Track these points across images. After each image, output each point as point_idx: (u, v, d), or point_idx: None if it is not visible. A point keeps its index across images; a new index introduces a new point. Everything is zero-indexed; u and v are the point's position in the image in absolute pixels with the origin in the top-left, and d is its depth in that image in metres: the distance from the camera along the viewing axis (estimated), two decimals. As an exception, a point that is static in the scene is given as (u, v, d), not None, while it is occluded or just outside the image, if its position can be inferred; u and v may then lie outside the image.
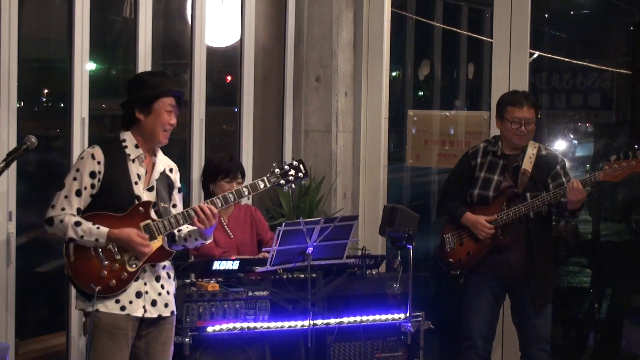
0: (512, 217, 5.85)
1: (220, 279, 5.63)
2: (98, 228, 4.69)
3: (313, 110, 7.59)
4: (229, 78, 7.48)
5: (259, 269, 5.56)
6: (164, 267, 4.92)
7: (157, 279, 4.88)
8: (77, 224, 4.69)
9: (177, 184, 5.07)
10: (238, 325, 5.46)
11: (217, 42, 7.11)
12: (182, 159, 6.88)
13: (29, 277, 5.84)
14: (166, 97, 4.85)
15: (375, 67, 7.58)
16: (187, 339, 5.32)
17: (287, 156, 7.57)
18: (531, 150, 5.96)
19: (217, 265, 5.59)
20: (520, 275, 5.92)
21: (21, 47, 5.52)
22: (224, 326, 5.43)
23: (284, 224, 5.50)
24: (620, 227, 8.12)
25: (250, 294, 5.51)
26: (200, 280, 5.67)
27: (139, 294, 4.81)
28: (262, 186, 4.97)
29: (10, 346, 5.27)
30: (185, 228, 4.97)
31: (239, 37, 7.23)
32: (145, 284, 4.83)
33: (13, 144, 5.43)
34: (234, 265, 5.63)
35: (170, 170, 5.03)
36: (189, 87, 6.77)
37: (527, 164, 5.93)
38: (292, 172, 5.04)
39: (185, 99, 6.81)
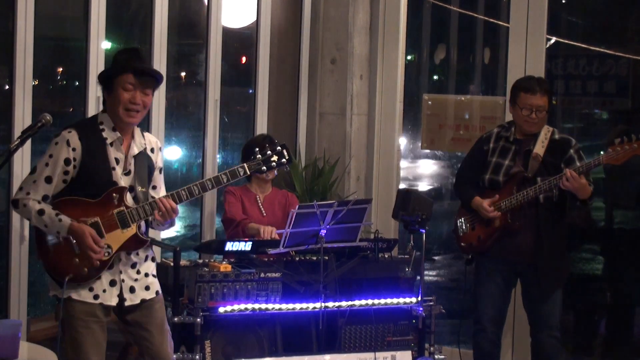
0: (521, 200, 5.81)
1: (232, 260, 5.65)
2: (60, 220, 4.49)
3: (328, 92, 7.58)
4: (244, 59, 7.47)
5: (271, 251, 5.57)
6: (137, 254, 4.75)
7: (133, 265, 4.72)
8: (41, 212, 4.51)
9: (159, 164, 4.86)
10: (250, 306, 5.47)
11: (233, 23, 7.10)
12: (197, 139, 6.90)
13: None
14: (123, 74, 4.58)
15: (391, 50, 7.56)
16: (198, 319, 5.33)
17: (302, 138, 7.56)
18: (544, 135, 5.92)
19: (229, 246, 5.60)
20: (530, 260, 5.89)
21: (37, 24, 5.51)
22: (236, 307, 5.44)
23: (297, 206, 5.50)
24: (634, 215, 8.09)
25: (262, 275, 5.51)
26: (212, 260, 5.69)
27: (113, 283, 4.65)
28: (242, 173, 4.71)
29: (23, 323, 5.29)
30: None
31: (255, 18, 7.21)
32: (120, 272, 4.67)
33: (28, 121, 5.44)
34: (246, 246, 5.63)
35: (152, 150, 4.82)
36: (204, 68, 6.77)
37: (540, 148, 5.89)
38: (275, 157, 4.80)
39: (200, 79, 6.82)
